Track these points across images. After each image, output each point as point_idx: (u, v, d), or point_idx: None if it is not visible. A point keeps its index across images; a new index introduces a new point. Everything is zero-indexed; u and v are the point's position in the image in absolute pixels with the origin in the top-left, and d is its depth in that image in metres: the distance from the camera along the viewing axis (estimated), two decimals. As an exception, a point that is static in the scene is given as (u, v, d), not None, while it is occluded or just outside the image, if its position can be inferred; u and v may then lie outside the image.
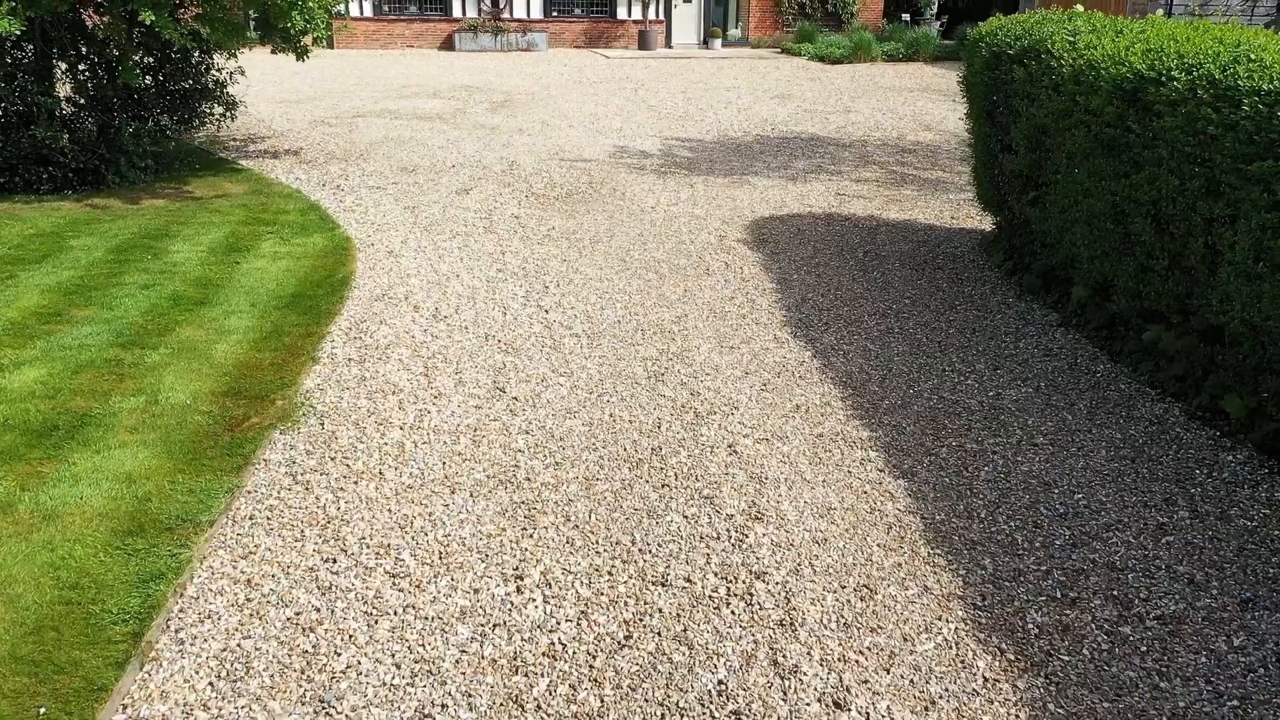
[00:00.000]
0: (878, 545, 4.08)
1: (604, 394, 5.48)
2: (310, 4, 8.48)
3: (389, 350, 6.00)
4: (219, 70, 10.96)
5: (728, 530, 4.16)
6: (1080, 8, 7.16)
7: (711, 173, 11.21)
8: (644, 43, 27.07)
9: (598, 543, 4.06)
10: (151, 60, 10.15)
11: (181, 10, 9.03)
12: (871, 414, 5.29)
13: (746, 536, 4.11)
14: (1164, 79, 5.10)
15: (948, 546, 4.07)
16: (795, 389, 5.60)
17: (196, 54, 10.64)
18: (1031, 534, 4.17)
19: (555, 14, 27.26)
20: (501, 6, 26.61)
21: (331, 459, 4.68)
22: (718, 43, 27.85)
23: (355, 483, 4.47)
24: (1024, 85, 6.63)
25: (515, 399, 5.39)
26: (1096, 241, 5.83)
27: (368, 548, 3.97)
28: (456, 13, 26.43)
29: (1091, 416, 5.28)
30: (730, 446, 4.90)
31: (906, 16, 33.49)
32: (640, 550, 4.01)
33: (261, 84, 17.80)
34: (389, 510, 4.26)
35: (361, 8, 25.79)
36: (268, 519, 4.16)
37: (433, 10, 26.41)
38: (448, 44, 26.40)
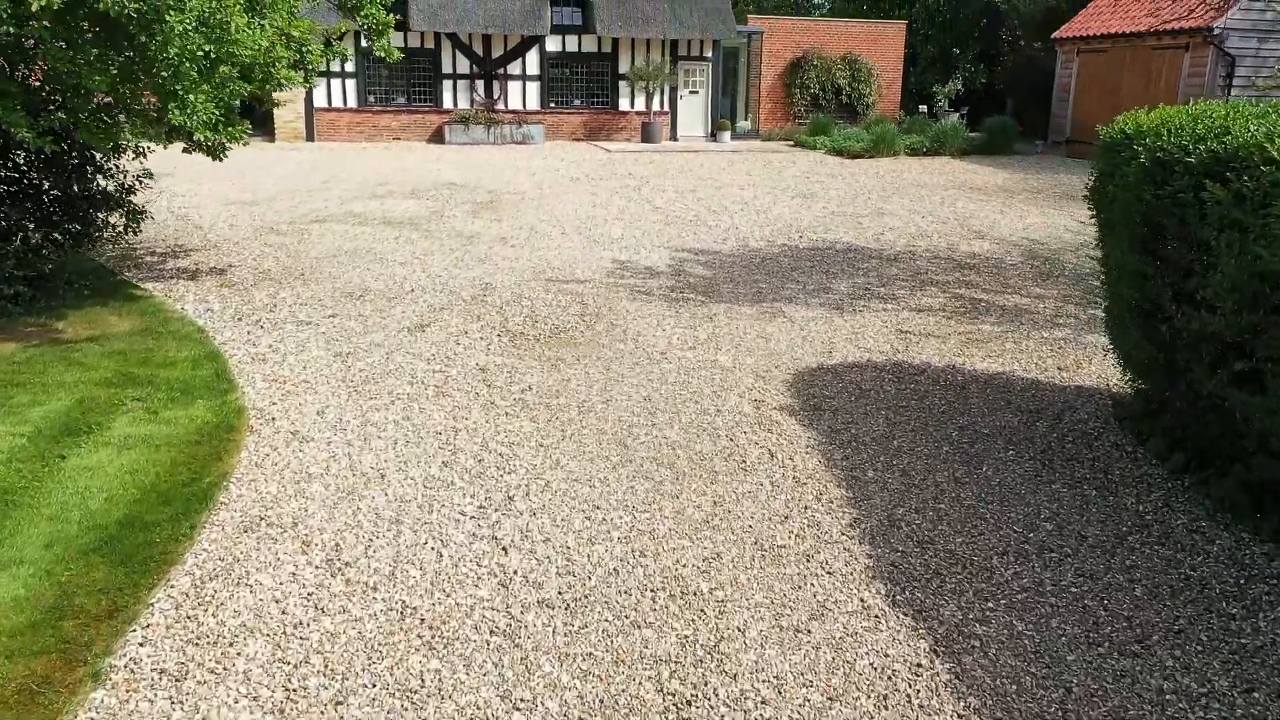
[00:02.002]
0: None
1: (588, 761, 3.09)
2: (192, 100, 6.29)
3: (234, 650, 3.62)
4: (122, 173, 8.83)
5: None
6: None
7: (735, 298, 8.99)
8: (647, 135, 25.32)
9: None
10: (24, 160, 8.02)
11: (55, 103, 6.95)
12: (1074, 817, 2.90)
13: None
14: None
15: None
16: (921, 741, 3.22)
17: (100, 155, 8.55)
18: None
19: (553, 105, 25.57)
20: (496, 97, 24.92)
21: None
22: (726, 135, 26.11)
23: None
24: (1229, 210, 4.40)
25: (427, 781, 3.00)
26: (1407, 473, 3.51)
27: None
28: (447, 103, 24.72)
29: None
30: None
31: (924, 108, 32.01)
32: None
33: (218, 181, 15.83)
34: None
35: (345, 99, 24.07)
36: None
37: (422, 101, 24.70)
38: (437, 136, 24.63)
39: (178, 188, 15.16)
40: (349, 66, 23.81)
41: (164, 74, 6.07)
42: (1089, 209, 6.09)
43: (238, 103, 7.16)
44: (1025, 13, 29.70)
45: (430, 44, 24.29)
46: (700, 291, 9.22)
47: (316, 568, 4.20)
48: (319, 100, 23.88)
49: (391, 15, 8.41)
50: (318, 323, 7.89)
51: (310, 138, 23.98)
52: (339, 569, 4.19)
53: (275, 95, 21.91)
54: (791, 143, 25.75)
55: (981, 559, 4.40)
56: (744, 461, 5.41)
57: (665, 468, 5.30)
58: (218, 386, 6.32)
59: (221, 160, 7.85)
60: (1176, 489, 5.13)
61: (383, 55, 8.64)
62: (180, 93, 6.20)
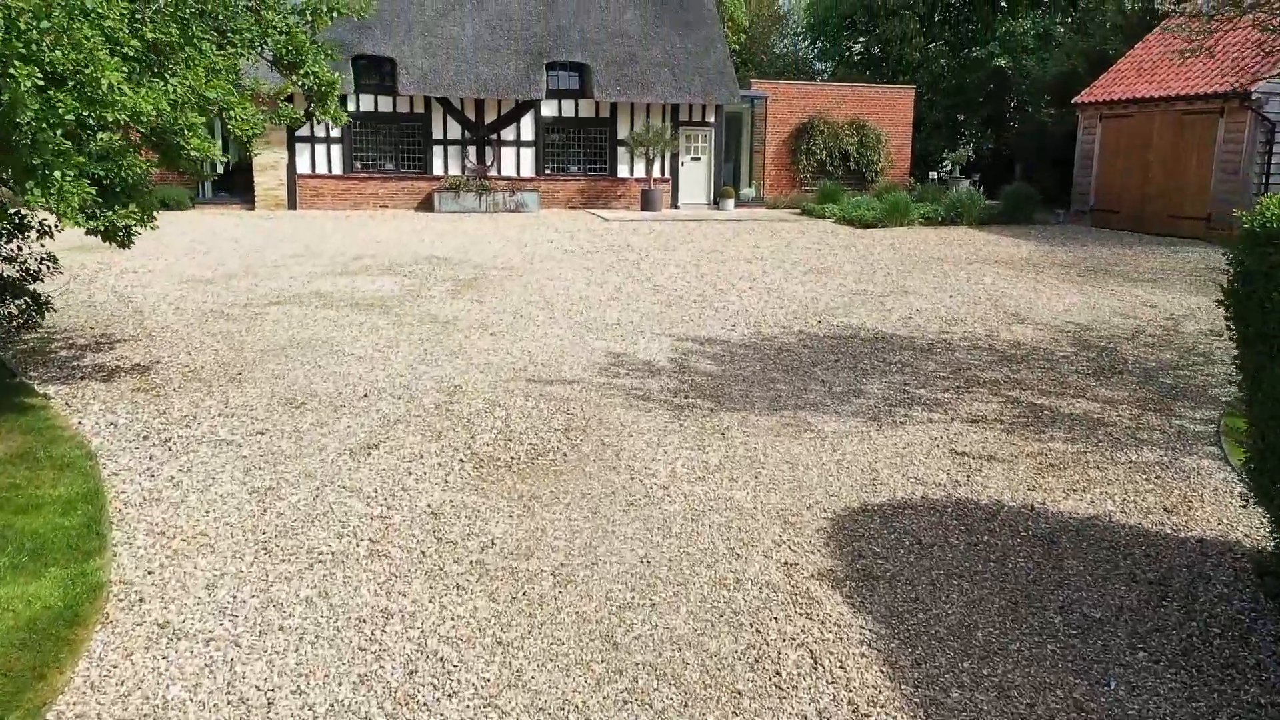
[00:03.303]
0: None
1: None
2: (58, 177, 4.89)
3: None
4: (22, 255, 7.46)
5: None
6: None
7: (750, 404, 7.55)
8: (647, 203, 24.16)
9: None
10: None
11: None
12: None
13: None
14: None
15: None
16: None
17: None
18: None
19: (549, 171, 24.45)
20: (488, 164, 23.81)
21: None
22: (730, 203, 24.98)
23: None
24: None
25: None
26: None
27: None
28: (438, 170, 23.60)
29: None
30: None
31: (934, 175, 31.02)
32: None
33: (180, 255, 14.56)
34: None
35: (330, 165, 22.94)
36: None
37: (411, 168, 23.58)
38: (426, 204, 23.47)
39: (132, 262, 13.85)
40: (334, 131, 22.75)
41: (24, 143, 4.70)
42: (1225, 319, 4.65)
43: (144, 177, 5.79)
44: (1039, 77, 28.81)
45: (420, 108, 23.28)
46: (708, 395, 7.78)
47: None
48: (302, 167, 22.78)
49: (338, 75, 7.10)
50: (241, 442, 6.43)
51: (293, 205, 22.82)
52: None
53: (255, 160, 20.61)
54: (798, 211, 24.60)
55: None
56: (778, 671, 3.91)
57: (669, 683, 3.81)
58: (83, 545, 4.84)
59: (128, 247, 6.47)
60: (1394, 725, 3.63)
61: (328, 120, 7.34)
62: (40, 168, 4.82)
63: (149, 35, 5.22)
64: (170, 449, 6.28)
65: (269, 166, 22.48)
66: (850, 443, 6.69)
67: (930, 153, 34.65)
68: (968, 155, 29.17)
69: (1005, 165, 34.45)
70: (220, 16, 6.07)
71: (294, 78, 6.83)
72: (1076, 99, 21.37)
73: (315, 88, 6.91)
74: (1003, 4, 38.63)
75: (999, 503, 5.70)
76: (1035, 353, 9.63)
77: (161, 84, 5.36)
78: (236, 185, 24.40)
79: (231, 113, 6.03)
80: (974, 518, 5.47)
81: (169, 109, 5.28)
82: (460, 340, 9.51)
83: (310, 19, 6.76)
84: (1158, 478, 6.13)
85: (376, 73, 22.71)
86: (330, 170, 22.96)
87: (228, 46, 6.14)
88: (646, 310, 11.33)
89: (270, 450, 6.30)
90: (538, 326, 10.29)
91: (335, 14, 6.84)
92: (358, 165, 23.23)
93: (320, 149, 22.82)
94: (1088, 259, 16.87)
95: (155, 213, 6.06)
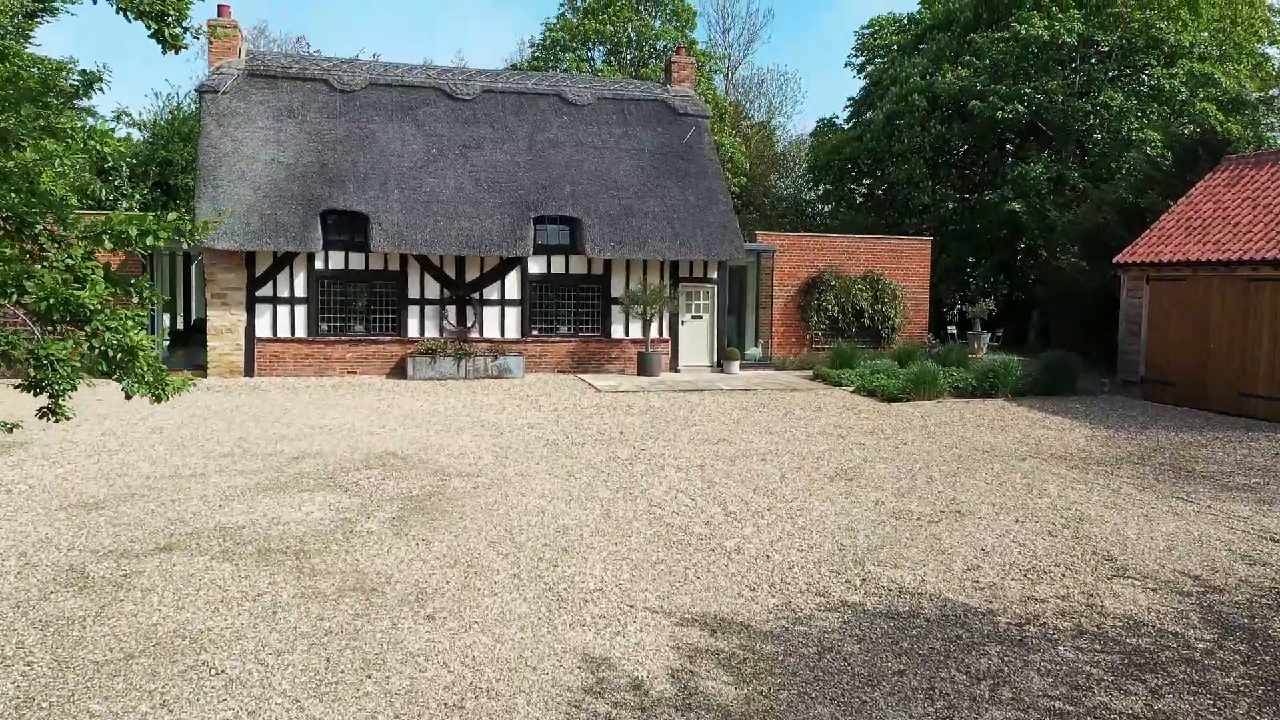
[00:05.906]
0: None
1: None
2: None
3: None
4: None
5: None
6: None
7: (792, 798, 4.94)
8: (644, 367, 21.93)
9: None
10: None
11: None
12: None
13: None
14: None
15: None
16: None
17: None
18: None
19: (536, 332, 22.31)
20: (469, 325, 21.69)
21: None
22: (735, 365, 22.76)
23: None
24: None
25: None
26: None
27: None
28: (413, 331, 21.45)
29: None
30: None
31: (951, 329, 29.04)
32: None
33: (85, 454, 12.16)
34: None
35: (293, 327, 20.79)
36: None
37: (383, 329, 21.43)
38: (399, 370, 21.22)
39: (15, 471, 11.43)
40: (299, 291, 20.70)
41: None
42: None
43: None
44: (1058, 224, 27.10)
45: (395, 265, 21.32)
46: (728, 773, 5.17)
47: None
48: (262, 329, 20.63)
49: (148, 338, 4.73)
50: None
51: (249, 373, 20.56)
52: None
53: (210, 321, 18.41)
54: (811, 374, 22.36)
55: None
56: None
57: None
58: None
59: None
60: None
61: (148, 396, 4.96)
62: None
63: None
64: None
65: (225, 330, 20.32)
66: None
67: (941, 299, 32.88)
68: (989, 309, 27.15)
69: (1021, 312, 32.57)
70: (-48, 246, 3.82)
71: (72, 341, 4.48)
72: (1119, 258, 19.38)
73: (111, 355, 4.49)
74: (1009, 148, 37.57)
75: None
76: (1164, 643, 7.06)
77: None
78: (192, 343, 22.27)
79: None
80: None
81: None
82: (382, 636, 6.93)
83: (112, 248, 4.47)
84: None
85: (347, 229, 20.83)
86: (293, 333, 20.79)
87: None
88: (639, 560, 8.79)
89: None
90: (494, 598, 7.73)
91: (154, 239, 4.58)
92: (324, 328, 21.08)
93: (283, 310, 20.73)
94: (1156, 450, 14.45)
95: None
